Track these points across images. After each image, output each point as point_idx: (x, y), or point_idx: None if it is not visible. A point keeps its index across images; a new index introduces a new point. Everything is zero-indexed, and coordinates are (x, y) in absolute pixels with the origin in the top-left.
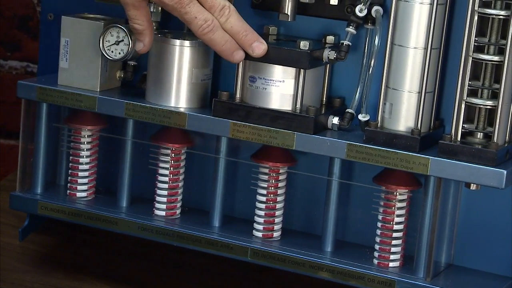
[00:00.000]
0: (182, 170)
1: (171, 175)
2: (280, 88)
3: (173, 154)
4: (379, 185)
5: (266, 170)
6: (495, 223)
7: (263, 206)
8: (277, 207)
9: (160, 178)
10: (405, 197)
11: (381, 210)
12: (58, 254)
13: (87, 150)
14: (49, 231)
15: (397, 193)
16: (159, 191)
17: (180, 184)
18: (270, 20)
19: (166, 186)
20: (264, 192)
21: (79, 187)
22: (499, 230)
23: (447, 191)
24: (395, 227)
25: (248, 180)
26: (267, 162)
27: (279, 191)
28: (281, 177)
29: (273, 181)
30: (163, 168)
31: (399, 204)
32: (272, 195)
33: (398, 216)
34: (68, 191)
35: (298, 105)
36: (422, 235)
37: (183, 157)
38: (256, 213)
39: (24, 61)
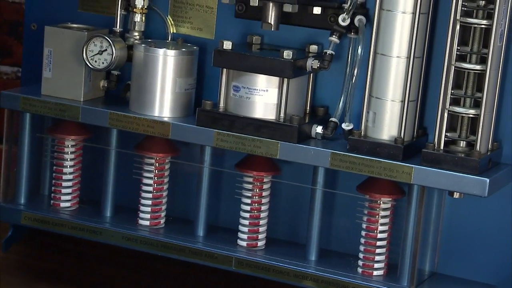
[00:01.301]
0: (166, 180)
1: (155, 184)
2: (264, 97)
3: (157, 164)
4: (363, 194)
5: (250, 180)
6: (478, 231)
7: (247, 215)
8: (261, 216)
9: (144, 188)
10: (388, 205)
11: (365, 218)
12: (41, 264)
13: (71, 160)
14: (33, 242)
15: (381, 202)
16: (143, 201)
17: (164, 193)
18: (254, 29)
19: (150, 196)
20: (248, 201)
21: (63, 197)
22: (483, 238)
23: (431, 200)
24: (379, 235)
25: (233, 189)
26: (251, 172)
27: (263, 200)
28: (265, 186)
29: (257, 190)
30: (147, 178)
31: (382, 213)
32: (256, 204)
33: (382, 224)
34: (52, 201)
35: (282, 114)
36: (406, 243)
37: (167, 166)
38: (240, 222)
39: (15, 66)
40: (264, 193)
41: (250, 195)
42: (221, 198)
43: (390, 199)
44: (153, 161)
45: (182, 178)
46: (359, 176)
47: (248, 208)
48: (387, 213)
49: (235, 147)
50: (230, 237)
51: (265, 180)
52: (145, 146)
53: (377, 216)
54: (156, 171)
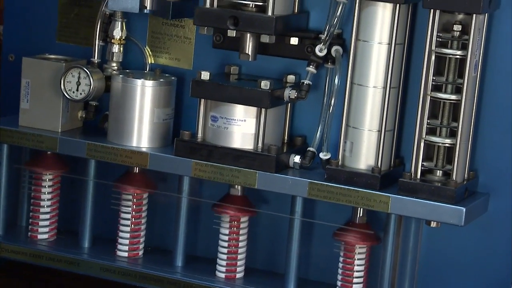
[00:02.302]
0: (144, 214)
1: (133, 219)
2: (242, 127)
3: (135, 200)
4: (339, 241)
5: (227, 219)
6: (456, 260)
7: (225, 244)
8: (239, 246)
9: (122, 221)
10: (364, 250)
11: (342, 247)
12: None
13: (48, 193)
14: (10, 273)
15: (356, 249)
16: (121, 232)
17: (143, 226)
18: (232, 59)
19: (128, 229)
20: (226, 232)
21: (40, 229)
22: (460, 267)
23: (408, 229)
24: (356, 267)
25: (211, 219)
26: (227, 213)
27: (241, 231)
28: (242, 225)
29: (235, 228)
30: (125, 212)
31: (358, 256)
32: (234, 235)
33: (358, 259)
34: (29, 233)
35: (260, 144)
36: (384, 272)
37: (145, 201)
38: (219, 253)
39: None
40: (242, 225)
41: (228, 226)
42: (200, 228)
43: (365, 245)
44: (130, 197)
45: (160, 207)
46: (337, 205)
47: (226, 238)
48: (363, 256)
49: (213, 177)
50: (208, 267)
51: (241, 219)
52: (123, 181)
53: (352, 259)
54: (134, 206)
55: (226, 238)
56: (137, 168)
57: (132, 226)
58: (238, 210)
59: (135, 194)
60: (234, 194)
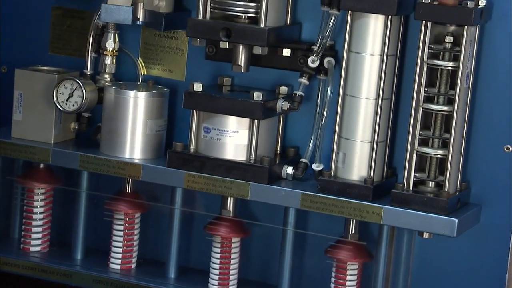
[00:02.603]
0: (137, 225)
1: (126, 230)
2: (234, 139)
3: (127, 218)
4: (331, 259)
5: (219, 239)
6: (448, 271)
7: (217, 261)
8: (232, 258)
9: (115, 233)
10: (356, 266)
11: (334, 264)
12: None
13: (41, 207)
14: (3, 285)
15: (348, 266)
16: (114, 244)
17: (136, 237)
18: (224, 71)
19: (121, 239)
20: (219, 245)
21: (32, 241)
22: (453, 278)
23: (401, 240)
24: (348, 282)
25: (204, 231)
26: (219, 235)
27: (233, 245)
28: (234, 245)
29: (227, 247)
30: (118, 224)
31: (350, 272)
32: (227, 247)
33: (350, 275)
34: (21, 245)
35: (253, 156)
36: (377, 285)
37: (137, 220)
38: (211, 265)
39: None
40: (233, 244)
41: (219, 246)
42: (193, 239)
43: (357, 262)
44: (122, 215)
45: (153, 219)
46: (330, 216)
47: (218, 250)
48: (355, 271)
49: (206, 188)
50: (201, 278)
51: (233, 240)
52: (116, 202)
53: (344, 275)
54: (127, 219)
55: (219, 245)
56: (129, 188)
57: (125, 237)
58: (230, 232)
59: (127, 214)
60: (225, 215)
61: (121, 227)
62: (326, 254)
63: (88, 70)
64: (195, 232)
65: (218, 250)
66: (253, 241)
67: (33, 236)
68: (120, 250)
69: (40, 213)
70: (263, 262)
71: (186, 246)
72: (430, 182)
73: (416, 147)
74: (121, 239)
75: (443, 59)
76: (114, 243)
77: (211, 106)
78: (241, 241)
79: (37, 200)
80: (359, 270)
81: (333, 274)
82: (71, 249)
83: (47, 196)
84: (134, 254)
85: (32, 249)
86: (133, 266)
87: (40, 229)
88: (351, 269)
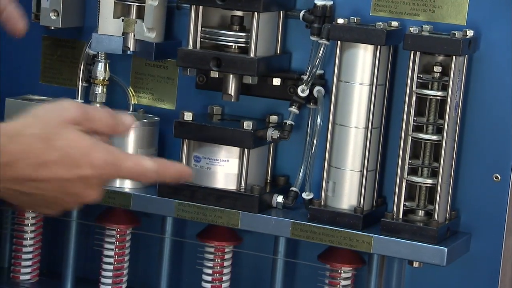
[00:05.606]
0: (127, 251)
1: (116, 256)
2: (225, 168)
3: (118, 235)
4: (324, 264)
5: (212, 250)
6: None
7: (208, 285)
8: (223, 287)
9: (105, 259)
10: (349, 274)
11: (327, 273)
12: None
13: (31, 232)
14: None
15: (342, 271)
16: (104, 272)
17: (126, 264)
18: (215, 100)
19: (111, 267)
20: (210, 271)
21: (22, 270)
22: None
23: (391, 269)
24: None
25: (194, 259)
26: (212, 242)
27: (225, 271)
28: (226, 256)
29: (219, 260)
30: (108, 249)
31: (343, 282)
32: (217, 275)
33: (344, 286)
34: (11, 274)
35: (243, 184)
36: None
37: (128, 237)
38: None
39: None
40: (225, 263)
41: (211, 265)
42: (183, 267)
43: (351, 268)
44: (114, 232)
45: (143, 248)
46: (320, 245)
47: (209, 278)
48: (348, 282)
49: (196, 217)
50: None
51: (226, 250)
52: (106, 217)
53: (338, 286)
54: (117, 242)
55: (210, 271)
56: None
57: (115, 264)
58: (223, 238)
59: (119, 230)
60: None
61: (112, 246)
62: (319, 259)
63: (79, 100)
64: (185, 260)
65: (211, 264)
66: (243, 270)
67: (23, 263)
68: (111, 274)
69: (31, 238)
70: None
71: (177, 272)
72: (420, 211)
73: (405, 176)
74: (111, 260)
75: (431, 89)
76: (105, 266)
77: (201, 135)
78: (233, 254)
79: (28, 225)
80: (352, 280)
81: (326, 281)
82: (61, 279)
83: (37, 221)
84: (124, 280)
85: (22, 277)
86: None
87: (30, 256)
88: (344, 278)
